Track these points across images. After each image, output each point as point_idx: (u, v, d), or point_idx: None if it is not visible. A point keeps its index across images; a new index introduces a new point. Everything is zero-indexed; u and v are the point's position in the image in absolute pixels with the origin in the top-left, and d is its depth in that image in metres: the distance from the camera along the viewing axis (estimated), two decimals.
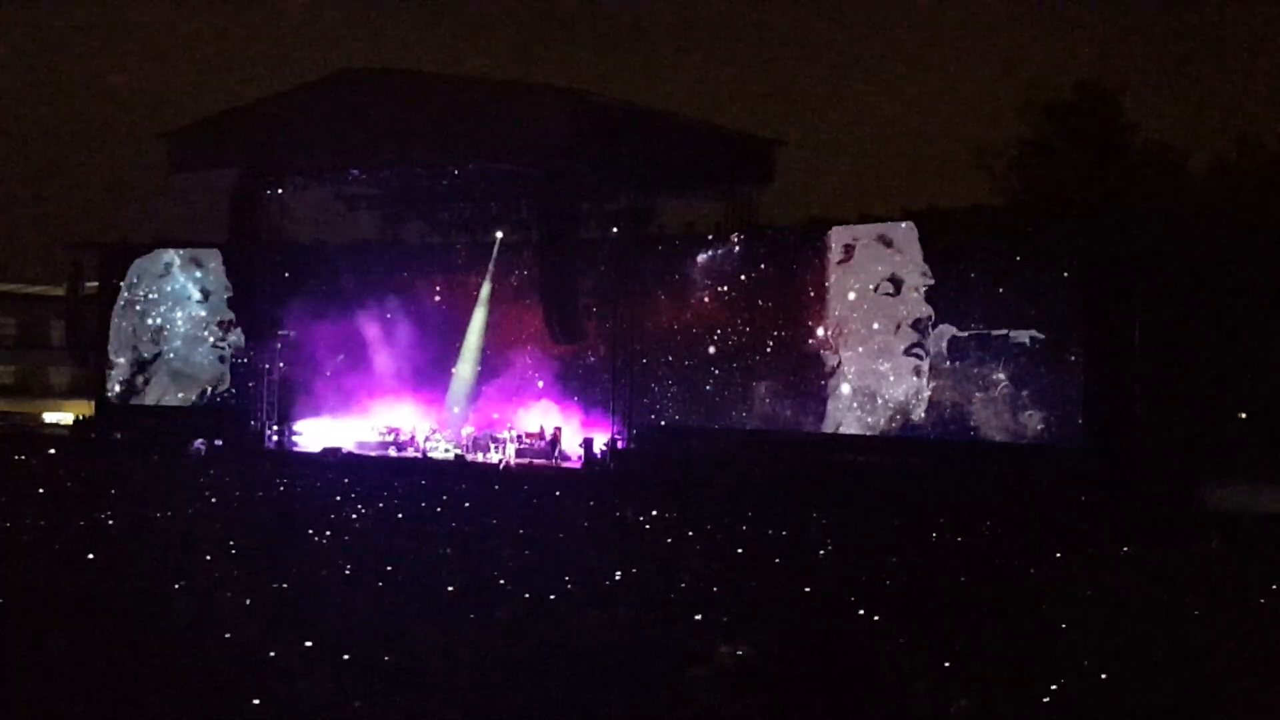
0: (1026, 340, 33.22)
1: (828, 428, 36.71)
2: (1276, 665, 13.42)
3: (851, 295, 36.43)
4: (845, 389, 36.45)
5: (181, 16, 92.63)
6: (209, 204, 44.31)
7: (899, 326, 35.42)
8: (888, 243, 35.97)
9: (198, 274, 48.97)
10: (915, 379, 35.09)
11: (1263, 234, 34.47)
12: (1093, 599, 16.81)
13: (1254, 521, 26.80)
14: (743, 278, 39.14)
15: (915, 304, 35.24)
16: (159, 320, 49.42)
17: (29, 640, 12.66)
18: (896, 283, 35.62)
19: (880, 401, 35.70)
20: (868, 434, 35.85)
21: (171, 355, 49.18)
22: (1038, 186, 39.49)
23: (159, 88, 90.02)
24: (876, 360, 35.83)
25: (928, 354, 34.84)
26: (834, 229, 37.34)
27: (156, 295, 49.46)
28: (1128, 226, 32.95)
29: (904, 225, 35.84)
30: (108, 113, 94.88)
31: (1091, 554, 21.63)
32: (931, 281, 34.91)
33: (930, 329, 34.84)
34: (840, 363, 36.62)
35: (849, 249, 36.76)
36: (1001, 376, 33.64)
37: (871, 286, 36.13)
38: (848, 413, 36.43)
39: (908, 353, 35.23)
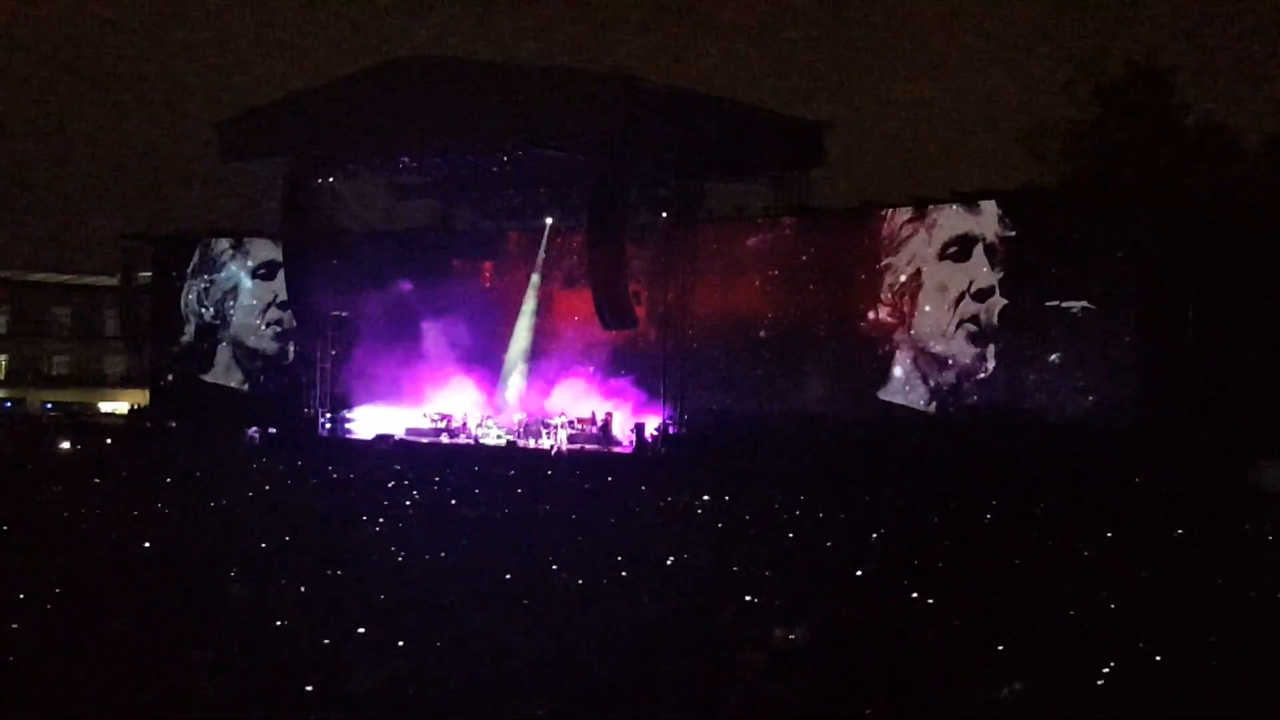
0: (1078, 310, 32.97)
1: (880, 410, 36.63)
2: None
3: (904, 277, 36.34)
4: (898, 371, 36.37)
5: (234, 4, 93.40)
6: (261, 193, 44.76)
7: (953, 308, 35.31)
8: (941, 225, 35.86)
9: (250, 263, 49.40)
10: (969, 359, 34.96)
11: None
12: (1146, 581, 16.68)
13: None
14: (795, 260, 39.11)
15: (970, 284, 35.13)
16: (212, 309, 49.93)
17: (86, 628, 12.83)
18: (951, 261, 35.51)
19: (933, 383, 35.59)
20: (920, 415, 35.77)
21: (224, 344, 49.69)
22: (1090, 167, 39.14)
23: (212, 77, 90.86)
24: (930, 341, 35.73)
25: (982, 331, 34.70)
26: (890, 210, 37.26)
27: (209, 285, 49.97)
28: (1181, 205, 32.65)
29: (953, 208, 35.71)
30: (161, 103, 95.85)
31: (1144, 535, 21.45)
32: (988, 263, 34.80)
33: (984, 307, 34.69)
34: (893, 344, 36.52)
35: (902, 231, 36.68)
36: (1055, 358, 33.46)
37: (923, 269, 36.02)
38: (900, 394, 36.33)
39: (963, 335, 35.11)
